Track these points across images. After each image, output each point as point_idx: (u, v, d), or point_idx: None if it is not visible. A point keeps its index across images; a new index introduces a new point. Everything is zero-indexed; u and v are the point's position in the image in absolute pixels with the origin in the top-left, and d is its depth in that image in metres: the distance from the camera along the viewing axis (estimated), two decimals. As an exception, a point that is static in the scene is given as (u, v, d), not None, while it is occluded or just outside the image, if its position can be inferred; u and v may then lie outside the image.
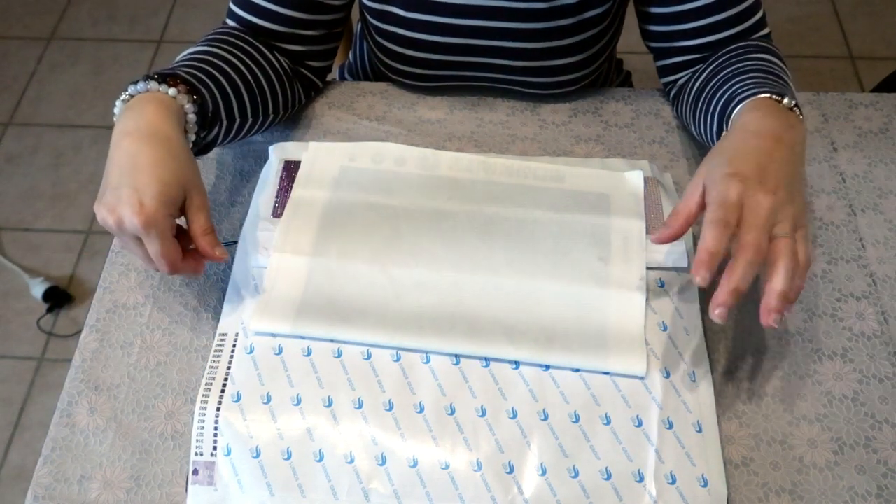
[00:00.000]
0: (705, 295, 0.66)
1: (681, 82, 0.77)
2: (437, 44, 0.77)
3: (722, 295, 0.52)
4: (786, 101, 0.61)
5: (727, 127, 0.64)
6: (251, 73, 0.70)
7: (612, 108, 0.80)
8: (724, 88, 0.67)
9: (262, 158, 0.76)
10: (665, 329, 0.63)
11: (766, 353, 0.63)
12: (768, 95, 0.62)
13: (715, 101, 0.68)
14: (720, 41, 0.73)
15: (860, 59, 1.84)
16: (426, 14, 0.75)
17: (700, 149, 0.76)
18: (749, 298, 0.66)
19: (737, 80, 0.66)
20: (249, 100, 0.70)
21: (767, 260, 0.54)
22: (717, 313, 0.52)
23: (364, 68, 0.97)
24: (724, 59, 0.71)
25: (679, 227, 0.57)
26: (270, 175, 0.73)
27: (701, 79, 0.72)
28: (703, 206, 0.57)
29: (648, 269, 0.65)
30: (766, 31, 0.74)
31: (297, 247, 0.66)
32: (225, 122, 0.67)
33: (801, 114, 0.62)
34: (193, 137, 0.63)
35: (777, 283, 0.53)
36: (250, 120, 0.71)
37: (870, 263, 0.69)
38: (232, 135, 0.70)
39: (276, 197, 0.71)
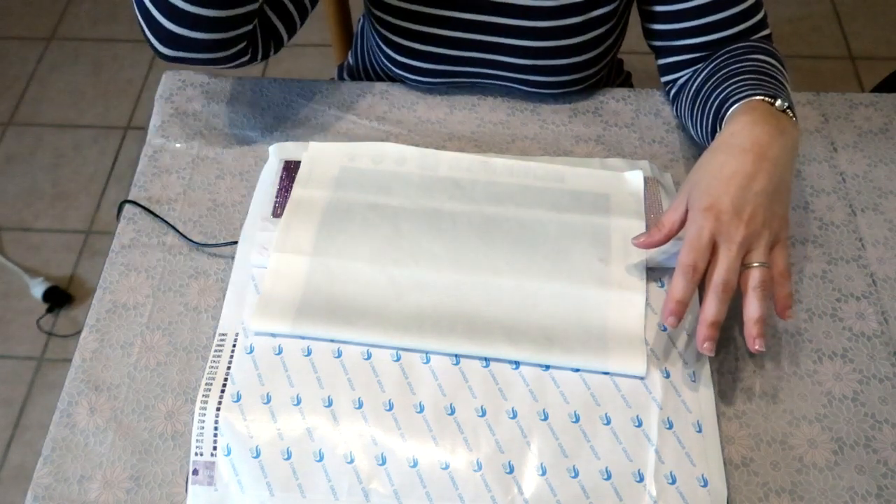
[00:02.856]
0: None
1: (681, 81, 0.77)
2: (445, 38, 0.77)
3: (703, 331, 0.57)
4: (778, 103, 0.62)
5: (720, 129, 0.64)
6: None
7: (612, 108, 0.80)
8: (720, 90, 0.67)
9: (262, 158, 0.76)
10: (665, 329, 0.63)
11: (766, 353, 0.63)
12: (761, 98, 0.62)
13: (710, 101, 0.68)
14: (721, 40, 0.73)
15: (860, 59, 1.84)
16: (434, 7, 0.75)
17: (700, 149, 0.76)
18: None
19: (732, 81, 0.67)
20: None
21: (740, 290, 0.58)
22: (705, 347, 0.57)
23: (364, 69, 0.97)
24: (722, 59, 0.71)
25: (660, 241, 0.62)
26: (270, 175, 0.73)
27: (699, 79, 0.72)
28: (684, 222, 0.61)
29: (648, 269, 0.65)
30: (766, 31, 0.74)
31: (297, 247, 0.66)
32: None
33: (794, 115, 0.63)
34: None
35: (752, 311, 0.57)
36: None
37: (870, 263, 0.69)
38: None
39: (276, 197, 0.71)
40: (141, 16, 0.67)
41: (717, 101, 0.66)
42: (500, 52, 0.77)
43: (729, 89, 0.66)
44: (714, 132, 0.66)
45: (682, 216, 0.61)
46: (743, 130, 0.60)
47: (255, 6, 0.68)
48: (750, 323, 0.57)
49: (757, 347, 0.57)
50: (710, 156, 0.61)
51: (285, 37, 0.76)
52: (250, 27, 0.69)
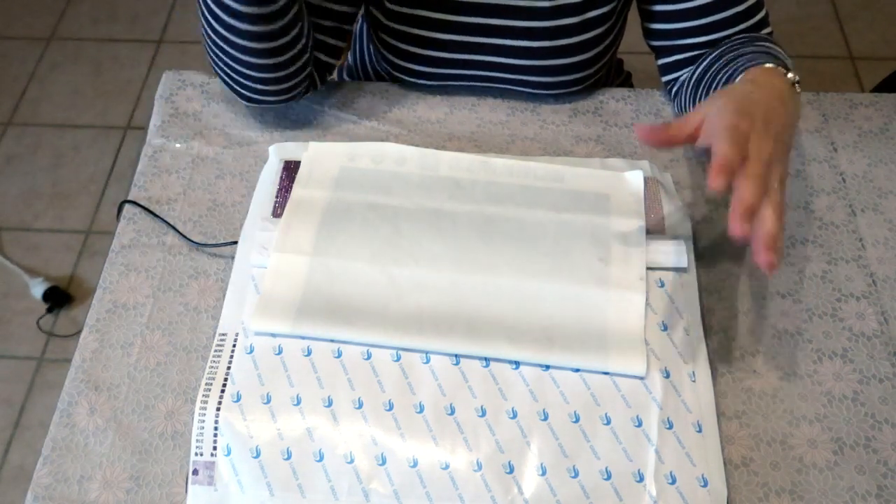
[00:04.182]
0: (705, 294, 0.66)
1: (682, 79, 0.77)
2: (442, 41, 0.77)
3: (737, 221, 0.51)
4: (790, 75, 0.63)
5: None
6: None
7: (612, 108, 0.80)
8: (728, 67, 0.67)
9: (262, 158, 0.76)
10: (665, 329, 0.63)
11: (766, 353, 0.63)
12: (773, 66, 0.63)
13: (717, 79, 0.68)
14: (722, 39, 0.73)
15: (860, 59, 1.84)
16: (432, 11, 0.75)
17: (700, 149, 0.76)
18: (747, 297, 0.67)
19: (740, 58, 0.67)
20: None
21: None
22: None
23: (364, 69, 0.97)
24: (723, 49, 0.71)
25: (664, 139, 0.58)
26: (270, 175, 0.73)
27: (700, 68, 0.72)
28: (695, 137, 0.58)
29: (648, 269, 0.65)
30: (768, 29, 0.74)
31: (297, 247, 0.66)
32: None
33: (799, 91, 0.64)
34: None
35: (769, 226, 0.52)
36: (296, 7, 0.68)
37: (870, 263, 0.69)
38: (279, 6, 0.66)
39: (276, 197, 0.71)
40: (226, 70, 0.72)
41: (727, 76, 0.67)
42: (498, 53, 0.77)
43: (738, 63, 0.66)
44: None
45: (696, 126, 0.58)
46: (762, 76, 0.61)
47: (302, 44, 0.71)
48: (766, 236, 0.52)
49: (770, 260, 0.51)
50: (734, 87, 0.61)
51: (335, 63, 0.80)
52: (305, 59, 0.73)
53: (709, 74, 0.70)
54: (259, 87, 0.73)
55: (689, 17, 0.73)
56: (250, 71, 0.71)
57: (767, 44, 0.70)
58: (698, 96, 0.71)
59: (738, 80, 0.64)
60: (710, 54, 0.72)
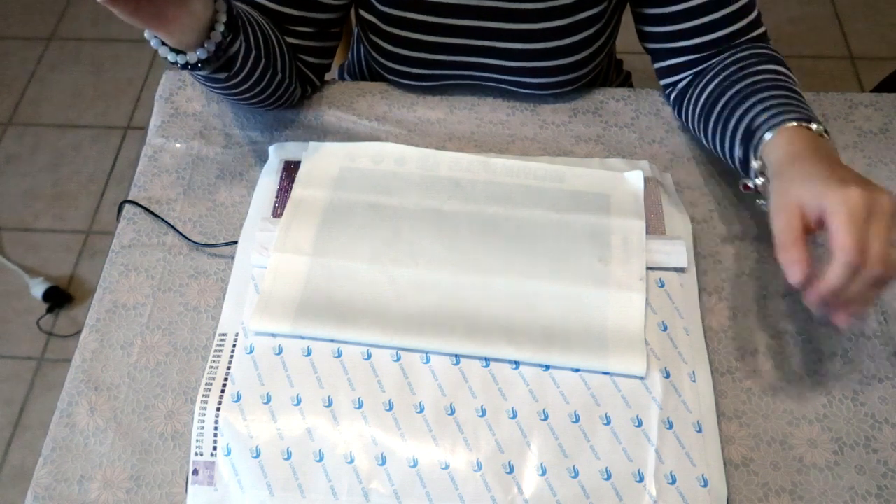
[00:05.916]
0: (705, 294, 0.66)
1: (681, 86, 0.77)
2: (432, 44, 0.76)
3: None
4: (815, 126, 0.60)
5: (756, 156, 0.62)
6: (261, 25, 0.70)
7: (612, 108, 0.80)
8: (743, 110, 0.66)
9: (262, 159, 0.76)
10: (665, 329, 0.63)
11: (766, 353, 0.63)
12: (796, 123, 0.60)
13: (734, 122, 0.66)
14: (715, 41, 0.73)
15: (860, 59, 1.84)
16: (421, 14, 0.74)
17: (700, 149, 0.76)
18: (747, 297, 0.66)
19: (755, 101, 0.65)
20: (263, 39, 0.69)
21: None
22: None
23: (362, 68, 0.97)
24: (732, 70, 0.70)
25: (803, 262, 0.54)
26: (270, 175, 0.73)
27: (708, 90, 0.71)
28: (806, 232, 0.54)
29: (648, 269, 0.65)
30: (762, 30, 0.74)
31: (297, 247, 0.66)
32: (243, 43, 0.66)
33: (828, 136, 0.61)
34: (224, 19, 0.62)
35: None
36: (263, 61, 0.69)
37: (870, 263, 0.68)
38: (246, 71, 0.68)
39: (276, 197, 0.71)
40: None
41: (744, 123, 0.65)
42: (489, 55, 0.77)
43: (755, 112, 0.64)
44: (745, 157, 0.64)
45: (801, 226, 0.54)
46: (801, 143, 0.59)
47: (279, 79, 0.73)
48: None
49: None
50: (796, 168, 0.57)
51: (329, 63, 0.82)
52: (287, 84, 0.75)
53: (722, 107, 0.68)
54: (253, 107, 0.78)
55: (680, 19, 0.73)
56: (239, 104, 0.78)
57: (773, 68, 0.68)
58: (711, 127, 0.70)
59: (766, 152, 0.61)
60: (716, 77, 0.71)
